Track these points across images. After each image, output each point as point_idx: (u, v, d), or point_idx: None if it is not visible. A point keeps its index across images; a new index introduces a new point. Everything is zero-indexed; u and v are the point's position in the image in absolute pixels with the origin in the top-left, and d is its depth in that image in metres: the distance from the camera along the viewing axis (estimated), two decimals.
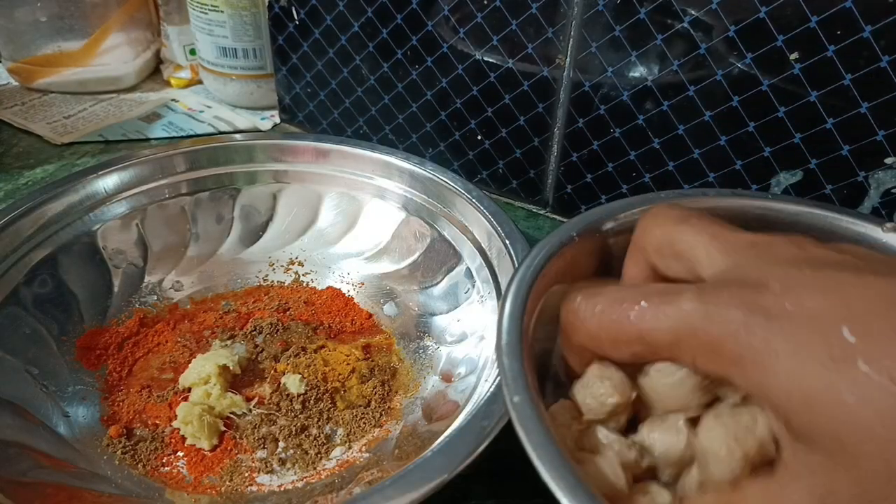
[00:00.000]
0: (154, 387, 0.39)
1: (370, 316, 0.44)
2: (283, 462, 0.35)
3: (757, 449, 0.22)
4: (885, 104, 0.37)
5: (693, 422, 0.25)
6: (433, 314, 0.43)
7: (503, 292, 0.31)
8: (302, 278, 0.47)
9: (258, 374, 0.40)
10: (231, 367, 0.38)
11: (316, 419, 0.37)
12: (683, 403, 0.25)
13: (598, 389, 0.27)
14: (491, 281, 0.41)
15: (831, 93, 0.38)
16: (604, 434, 0.26)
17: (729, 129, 0.42)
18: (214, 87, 0.68)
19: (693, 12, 0.40)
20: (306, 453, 0.35)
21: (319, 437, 0.36)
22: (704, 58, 0.41)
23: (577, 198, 0.51)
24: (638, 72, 0.44)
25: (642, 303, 0.23)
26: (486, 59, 0.49)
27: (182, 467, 0.34)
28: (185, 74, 0.72)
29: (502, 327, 0.28)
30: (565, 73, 0.46)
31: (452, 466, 0.27)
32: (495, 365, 0.34)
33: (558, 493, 0.22)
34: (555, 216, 0.54)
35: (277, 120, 0.66)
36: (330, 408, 0.37)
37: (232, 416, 0.37)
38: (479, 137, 0.53)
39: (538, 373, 0.30)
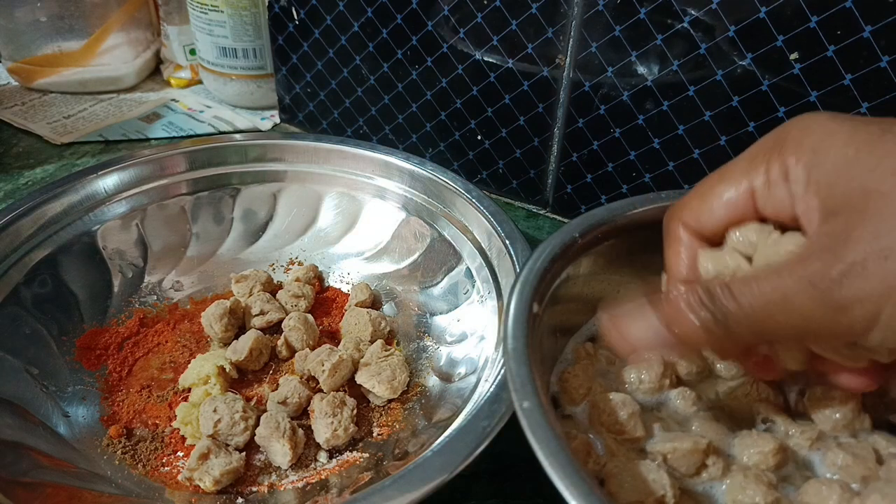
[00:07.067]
0: (154, 387, 0.39)
1: None
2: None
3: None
4: (885, 104, 0.37)
5: None
6: (433, 314, 0.43)
7: (507, 295, 0.31)
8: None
9: (258, 375, 0.40)
10: (227, 370, 0.38)
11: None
12: None
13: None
14: (491, 281, 0.41)
15: (831, 93, 0.38)
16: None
17: (729, 129, 0.42)
18: (214, 87, 0.68)
19: (693, 12, 0.40)
20: (305, 453, 0.35)
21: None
22: (704, 58, 0.41)
23: (577, 198, 0.51)
24: (638, 72, 0.44)
25: None
26: (486, 59, 0.49)
27: (182, 467, 0.34)
28: (185, 74, 0.72)
29: (508, 331, 0.28)
30: (565, 73, 0.46)
31: (452, 466, 0.27)
32: (496, 365, 0.34)
33: (571, 501, 0.22)
34: (555, 216, 0.53)
35: (277, 120, 0.66)
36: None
37: None
38: (479, 137, 0.53)
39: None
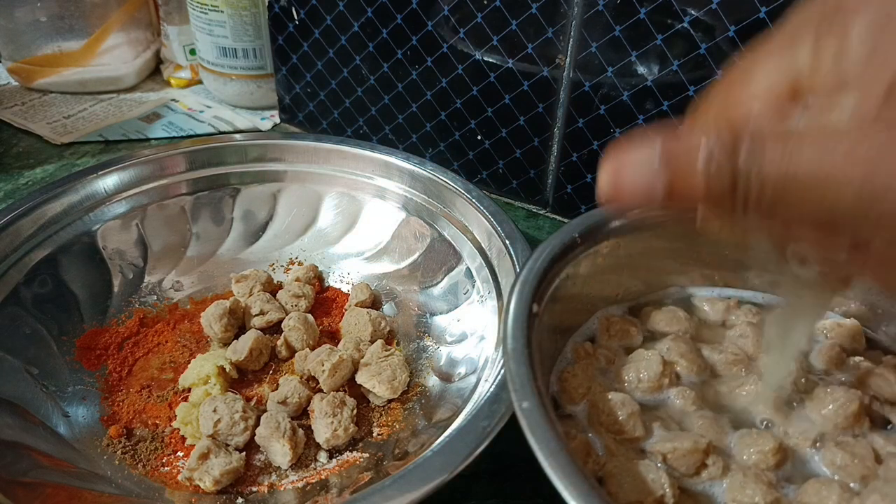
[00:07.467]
0: (154, 387, 0.39)
1: None
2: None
3: None
4: None
5: None
6: (433, 314, 0.43)
7: (507, 295, 0.31)
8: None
9: (258, 375, 0.40)
10: (227, 370, 0.38)
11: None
12: None
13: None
14: (491, 281, 0.41)
15: None
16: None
17: None
18: (214, 87, 0.68)
19: (693, 12, 0.40)
20: (305, 453, 0.35)
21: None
22: (704, 58, 0.41)
23: (577, 198, 0.51)
24: (638, 72, 0.44)
25: None
26: (486, 59, 0.49)
27: (182, 467, 0.34)
28: (185, 74, 0.72)
29: (508, 331, 0.28)
30: (565, 73, 0.46)
31: (452, 466, 0.27)
32: (496, 365, 0.34)
33: (570, 500, 0.22)
34: (555, 216, 0.54)
35: (277, 120, 0.66)
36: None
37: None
38: (479, 137, 0.53)
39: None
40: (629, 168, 0.21)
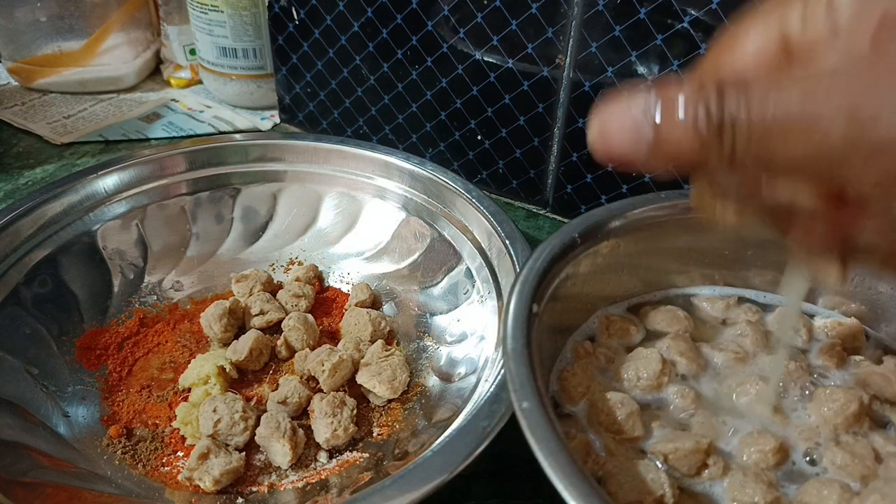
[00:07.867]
0: (154, 387, 0.39)
1: None
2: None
3: None
4: None
5: None
6: (433, 314, 0.43)
7: (507, 295, 0.31)
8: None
9: (258, 375, 0.40)
10: (227, 370, 0.38)
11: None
12: None
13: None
14: (491, 281, 0.41)
15: None
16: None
17: None
18: (214, 87, 0.68)
19: (693, 12, 0.40)
20: (305, 453, 0.35)
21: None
22: None
23: (577, 198, 0.51)
24: (638, 72, 0.44)
25: None
26: (486, 59, 0.49)
27: (182, 467, 0.34)
28: (185, 74, 0.72)
29: (508, 331, 0.28)
30: (565, 73, 0.46)
31: (452, 466, 0.27)
32: (496, 365, 0.34)
33: (570, 500, 0.22)
34: (555, 216, 0.53)
35: (277, 120, 0.66)
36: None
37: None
38: (479, 137, 0.53)
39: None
40: (618, 116, 0.21)
